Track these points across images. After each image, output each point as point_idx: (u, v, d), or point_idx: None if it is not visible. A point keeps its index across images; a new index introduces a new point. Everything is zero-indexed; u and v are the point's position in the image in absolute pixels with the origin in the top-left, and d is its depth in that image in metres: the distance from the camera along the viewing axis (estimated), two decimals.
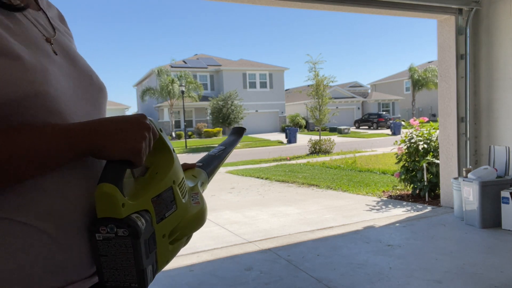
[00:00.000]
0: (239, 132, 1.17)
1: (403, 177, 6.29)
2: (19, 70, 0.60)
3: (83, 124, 0.64)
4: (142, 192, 0.68)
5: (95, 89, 0.78)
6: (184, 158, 17.26)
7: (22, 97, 0.59)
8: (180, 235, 0.76)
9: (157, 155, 0.75)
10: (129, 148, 0.64)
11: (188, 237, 0.82)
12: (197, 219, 0.79)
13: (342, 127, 30.44)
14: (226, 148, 1.07)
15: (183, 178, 0.79)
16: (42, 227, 0.61)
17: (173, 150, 0.77)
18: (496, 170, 4.59)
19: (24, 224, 0.60)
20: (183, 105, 27.68)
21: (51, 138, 0.60)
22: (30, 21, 0.69)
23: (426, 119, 6.65)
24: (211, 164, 1.00)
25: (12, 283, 0.58)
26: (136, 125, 0.66)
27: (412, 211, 5.40)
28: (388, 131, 29.45)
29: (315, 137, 17.26)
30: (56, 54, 0.71)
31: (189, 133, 31.66)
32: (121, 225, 0.61)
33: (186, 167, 0.92)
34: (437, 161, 5.72)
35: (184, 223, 0.76)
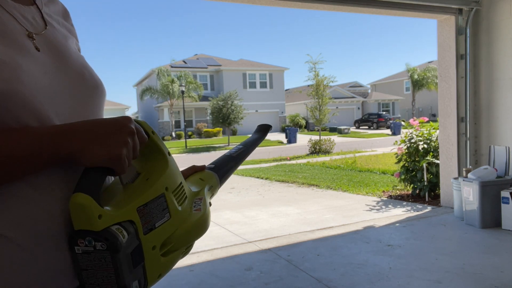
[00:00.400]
0: (263, 130, 1.07)
1: (403, 177, 6.29)
2: None
3: (57, 128, 0.59)
4: (127, 201, 0.62)
5: (87, 87, 0.74)
6: (184, 158, 17.26)
7: None
8: (176, 246, 0.70)
9: (149, 159, 0.69)
10: (107, 154, 0.59)
11: (189, 246, 0.76)
12: (197, 228, 0.73)
13: (342, 127, 30.45)
14: (246, 148, 0.98)
15: (180, 183, 0.73)
16: (10, 236, 0.58)
17: (169, 153, 0.71)
18: (496, 170, 4.59)
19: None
20: (183, 105, 27.68)
21: (21, 143, 0.56)
22: (11, 15, 0.66)
23: (426, 119, 6.65)
24: (225, 165, 0.91)
25: None
26: (116, 129, 0.61)
27: (412, 211, 5.40)
28: (388, 131, 29.45)
29: (315, 137, 17.26)
30: (39, 50, 0.67)
31: (189, 133, 31.66)
32: (98, 238, 0.56)
33: (195, 170, 0.86)
34: (437, 161, 5.72)
35: (180, 232, 0.70)
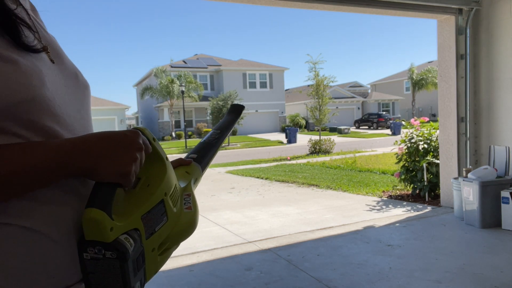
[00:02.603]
0: (237, 111, 1.05)
1: (403, 177, 6.29)
2: (16, 74, 0.59)
3: (73, 144, 0.61)
4: (132, 210, 0.65)
5: (81, 88, 0.76)
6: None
7: (19, 101, 0.58)
8: (170, 245, 0.73)
9: (149, 165, 0.71)
10: (117, 171, 0.61)
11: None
12: (188, 226, 0.76)
13: (342, 127, 30.44)
14: (222, 132, 0.97)
15: (175, 185, 0.75)
16: (46, 232, 0.62)
17: (166, 158, 0.73)
18: (496, 170, 4.58)
19: (27, 229, 0.60)
20: (183, 105, 27.67)
21: (41, 157, 0.58)
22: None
23: (427, 119, 6.65)
24: (206, 155, 0.92)
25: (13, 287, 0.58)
26: (126, 145, 0.63)
27: (412, 211, 5.40)
28: (388, 131, 29.45)
29: (315, 137, 17.26)
30: (53, 62, 0.69)
31: (189, 133, 31.65)
32: (109, 248, 0.59)
33: (180, 163, 0.87)
34: (437, 161, 5.72)
35: (174, 232, 0.73)
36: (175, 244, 0.75)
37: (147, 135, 0.69)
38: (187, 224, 0.75)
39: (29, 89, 0.60)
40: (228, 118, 1.03)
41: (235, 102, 24.42)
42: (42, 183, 0.59)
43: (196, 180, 0.87)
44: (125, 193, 0.67)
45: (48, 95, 0.63)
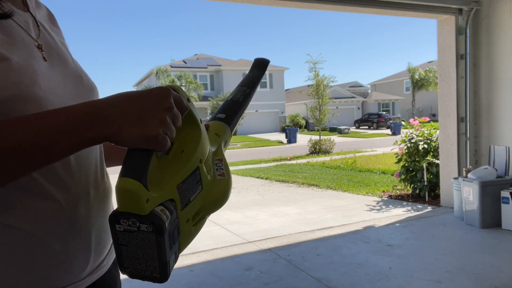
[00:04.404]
0: (261, 65, 0.93)
1: (403, 177, 6.29)
2: (5, 71, 0.58)
3: (85, 107, 0.55)
4: (167, 179, 0.59)
5: (86, 90, 0.76)
6: None
7: (8, 99, 0.58)
8: (204, 214, 0.68)
9: (183, 129, 0.64)
10: (142, 135, 0.54)
11: None
12: (222, 195, 0.70)
13: (342, 127, 30.44)
14: (249, 90, 0.87)
15: (209, 150, 0.69)
16: (30, 230, 0.61)
17: (201, 121, 0.67)
18: (496, 170, 4.59)
19: (7, 226, 0.59)
20: None
21: (54, 124, 0.53)
22: (19, 24, 0.68)
23: (427, 119, 6.65)
24: (234, 114, 0.83)
25: None
26: (152, 105, 0.56)
27: (412, 211, 5.40)
28: (388, 131, 29.44)
29: (315, 137, 17.26)
30: (45, 60, 0.69)
31: None
32: (144, 221, 0.54)
33: (208, 126, 0.79)
34: (437, 161, 5.72)
35: (208, 201, 0.68)
36: (209, 213, 0.70)
37: (181, 93, 0.62)
38: (221, 192, 0.70)
39: (18, 87, 0.59)
40: (253, 73, 0.91)
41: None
42: (60, 152, 0.54)
43: (226, 143, 0.80)
44: (158, 159, 0.61)
45: (39, 94, 0.62)
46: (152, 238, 0.55)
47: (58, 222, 0.64)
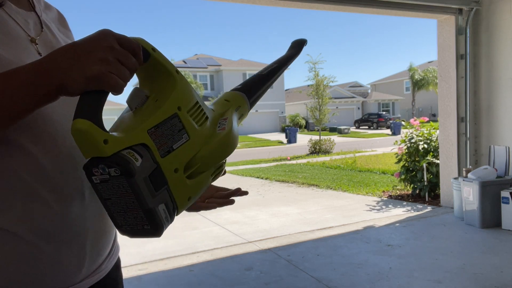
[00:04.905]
0: (298, 45, 0.92)
1: (403, 177, 6.29)
2: None
3: (38, 64, 0.56)
4: (136, 125, 0.59)
5: None
6: None
7: None
8: (202, 167, 0.66)
9: (156, 80, 0.65)
10: (83, 76, 0.54)
11: (219, 167, 0.73)
12: (222, 147, 0.69)
13: (342, 127, 30.44)
14: (278, 65, 0.86)
15: (197, 102, 0.68)
16: (15, 231, 0.60)
17: (177, 71, 0.66)
18: (496, 170, 4.59)
19: None
20: None
21: (6, 81, 0.54)
22: (14, 20, 0.68)
23: (427, 119, 6.65)
24: (254, 85, 0.82)
25: None
26: (88, 46, 0.55)
27: (412, 211, 5.40)
28: (388, 131, 29.44)
29: (315, 137, 17.25)
30: (40, 55, 0.69)
31: None
32: (110, 164, 0.53)
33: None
34: (437, 161, 5.72)
35: (204, 153, 0.66)
36: (208, 166, 0.68)
37: (144, 45, 0.62)
38: (219, 144, 0.68)
39: None
40: (287, 53, 0.91)
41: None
42: (14, 112, 0.55)
43: (241, 109, 0.79)
44: (133, 113, 0.62)
45: None
46: (124, 183, 0.54)
47: (46, 223, 0.62)
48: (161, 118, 0.61)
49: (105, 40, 0.56)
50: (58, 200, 0.64)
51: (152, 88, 0.65)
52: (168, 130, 0.61)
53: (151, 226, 0.57)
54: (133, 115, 0.62)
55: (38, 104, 0.56)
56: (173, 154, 0.61)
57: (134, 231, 0.59)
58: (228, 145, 0.70)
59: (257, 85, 0.83)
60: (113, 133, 0.56)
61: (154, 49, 0.63)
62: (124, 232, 0.60)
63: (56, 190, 0.64)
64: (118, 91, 0.56)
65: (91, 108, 0.54)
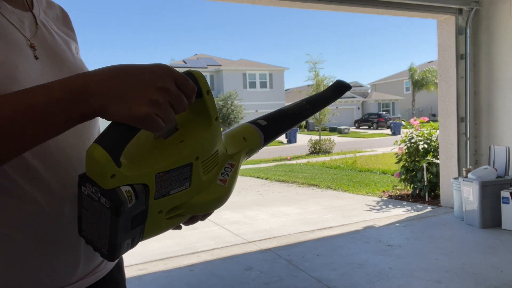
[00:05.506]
0: (340, 88, 0.84)
1: (403, 177, 6.29)
2: None
3: (77, 83, 0.52)
4: (149, 163, 0.56)
5: None
6: None
7: None
8: (185, 212, 0.63)
9: (193, 120, 0.60)
10: (128, 114, 0.51)
11: (205, 215, 0.68)
12: (213, 202, 0.65)
13: (342, 127, 30.45)
14: (311, 107, 0.78)
15: (217, 151, 0.64)
16: (4, 231, 0.59)
17: (216, 118, 0.62)
18: (496, 170, 4.59)
19: None
20: None
21: (41, 96, 0.51)
22: (8, 21, 0.66)
23: (427, 119, 6.65)
24: (276, 125, 0.76)
25: None
26: (142, 83, 0.52)
27: (412, 211, 5.40)
28: (388, 131, 29.45)
29: (315, 137, 17.26)
30: (37, 58, 0.67)
31: None
32: (105, 195, 0.52)
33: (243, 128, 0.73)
34: (437, 161, 5.72)
35: (195, 202, 0.63)
36: (192, 213, 0.65)
37: (201, 84, 0.58)
38: (212, 198, 0.64)
39: None
40: (326, 93, 0.83)
41: (235, 102, 24.33)
42: (46, 131, 0.52)
43: (252, 151, 0.73)
44: (154, 140, 0.59)
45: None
46: (107, 215, 0.53)
47: (38, 225, 0.62)
48: (176, 165, 0.58)
49: (162, 79, 0.53)
50: (50, 202, 0.63)
51: (184, 123, 0.61)
52: (175, 176, 0.59)
53: (108, 254, 0.57)
54: (151, 144, 0.59)
55: (72, 123, 0.53)
56: (167, 198, 0.59)
57: (91, 244, 0.59)
58: (221, 201, 0.65)
59: (280, 125, 0.77)
60: (124, 160, 0.54)
61: (208, 92, 0.59)
62: (82, 237, 0.59)
63: (49, 192, 0.63)
64: (156, 132, 0.53)
65: (115, 141, 0.52)
